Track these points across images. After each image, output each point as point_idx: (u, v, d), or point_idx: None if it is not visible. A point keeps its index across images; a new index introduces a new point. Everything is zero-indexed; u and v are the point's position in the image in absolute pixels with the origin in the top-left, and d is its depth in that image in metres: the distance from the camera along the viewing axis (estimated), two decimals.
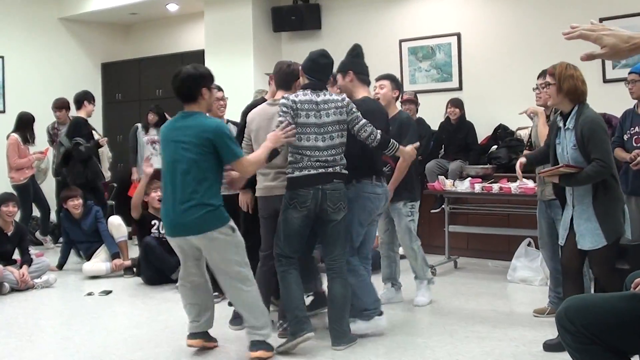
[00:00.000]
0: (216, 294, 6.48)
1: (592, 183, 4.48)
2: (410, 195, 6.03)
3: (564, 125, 4.60)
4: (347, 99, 5.06)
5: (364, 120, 4.99)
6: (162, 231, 7.20)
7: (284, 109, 4.86)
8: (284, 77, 5.27)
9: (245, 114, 5.66)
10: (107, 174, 9.47)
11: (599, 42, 2.37)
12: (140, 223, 7.36)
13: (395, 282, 6.33)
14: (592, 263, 4.60)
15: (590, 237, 4.49)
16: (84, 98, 8.92)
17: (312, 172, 4.83)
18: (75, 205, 7.95)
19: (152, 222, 7.34)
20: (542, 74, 5.32)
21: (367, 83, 5.51)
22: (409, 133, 5.83)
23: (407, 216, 6.04)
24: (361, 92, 5.41)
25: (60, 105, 9.84)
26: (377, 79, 6.17)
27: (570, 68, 4.60)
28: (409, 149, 5.33)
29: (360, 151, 5.16)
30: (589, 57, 2.40)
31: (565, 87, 4.54)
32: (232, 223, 4.59)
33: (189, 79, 4.63)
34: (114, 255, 7.78)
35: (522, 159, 5.07)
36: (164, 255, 7.00)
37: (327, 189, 4.85)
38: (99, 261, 7.79)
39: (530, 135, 5.72)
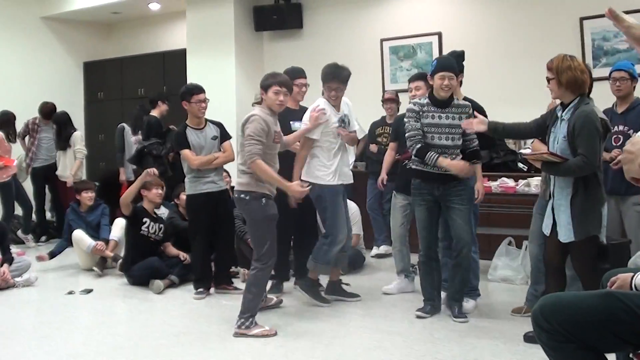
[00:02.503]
0: (201, 290, 6.56)
1: (572, 176, 4.51)
2: None
3: (561, 115, 4.60)
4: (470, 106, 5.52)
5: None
6: (152, 230, 7.22)
7: (410, 113, 5.58)
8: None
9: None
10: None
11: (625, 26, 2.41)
12: (132, 219, 7.26)
13: (408, 274, 6.69)
14: (572, 257, 4.60)
15: (563, 230, 4.54)
16: (158, 98, 9.15)
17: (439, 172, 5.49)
18: (90, 197, 8.26)
19: (144, 220, 7.26)
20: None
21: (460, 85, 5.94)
22: None
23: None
24: (459, 92, 5.82)
25: (47, 115, 10.09)
26: (411, 80, 6.42)
27: (567, 59, 4.56)
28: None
29: None
30: (612, 15, 2.44)
31: (564, 79, 4.51)
32: None
33: None
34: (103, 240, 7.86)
35: (482, 125, 5.14)
36: (164, 269, 7.03)
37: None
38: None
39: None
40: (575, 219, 4.48)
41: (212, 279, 6.73)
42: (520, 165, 7.46)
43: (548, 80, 4.66)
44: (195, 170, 6.48)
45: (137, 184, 7.21)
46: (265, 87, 5.39)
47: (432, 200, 5.63)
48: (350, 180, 6.22)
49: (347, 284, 6.51)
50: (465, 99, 5.81)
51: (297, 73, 6.48)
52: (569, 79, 4.50)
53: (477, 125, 5.16)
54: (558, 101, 4.85)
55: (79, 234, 7.90)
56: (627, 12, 2.83)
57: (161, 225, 7.38)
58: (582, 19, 7.92)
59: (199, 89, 6.66)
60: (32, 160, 10.12)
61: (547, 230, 4.75)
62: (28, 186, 10.10)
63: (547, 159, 4.55)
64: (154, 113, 9.08)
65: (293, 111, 6.46)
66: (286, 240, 6.59)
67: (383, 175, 7.02)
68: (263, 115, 5.34)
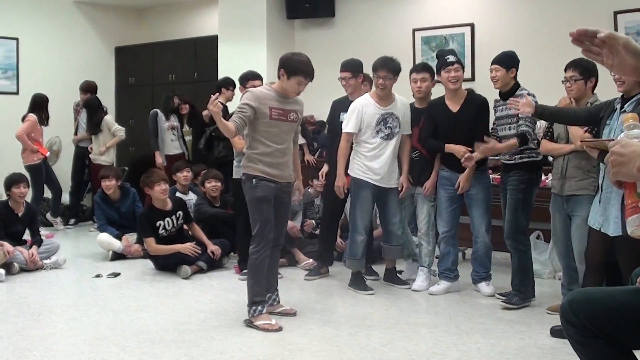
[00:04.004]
0: (245, 270, 6.60)
1: None
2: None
3: (621, 107, 4.45)
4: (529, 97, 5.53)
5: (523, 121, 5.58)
6: (169, 227, 7.21)
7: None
8: None
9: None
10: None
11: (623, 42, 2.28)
12: (147, 229, 7.19)
13: (415, 258, 6.77)
14: (618, 252, 4.45)
15: (612, 223, 4.36)
16: (222, 84, 9.10)
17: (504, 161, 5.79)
18: (108, 185, 8.18)
19: (157, 224, 7.18)
20: (571, 66, 5.21)
21: None
22: None
23: (430, 201, 6.41)
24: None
25: (85, 89, 10.35)
26: (417, 71, 6.51)
27: None
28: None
29: None
30: (609, 37, 2.30)
31: None
32: None
33: None
34: (138, 241, 7.84)
35: (529, 106, 5.11)
36: (189, 257, 7.02)
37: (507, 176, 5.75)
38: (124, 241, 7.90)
39: (551, 124, 5.51)
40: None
41: None
42: (550, 158, 7.39)
43: None
44: None
45: (172, 247, 7.07)
46: (289, 71, 5.14)
47: (504, 188, 5.80)
48: (386, 184, 6.24)
49: (400, 272, 6.71)
50: (469, 93, 6.10)
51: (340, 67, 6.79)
52: None
53: (523, 106, 5.14)
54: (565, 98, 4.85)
55: (105, 237, 7.89)
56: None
57: (179, 213, 7.32)
58: (616, 13, 7.82)
59: (254, 76, 6.86)
60: (79, 140, 10.36)
61: (597, 225, 4.55)
62: (57, 169, 10.19)
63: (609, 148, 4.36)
64: (220, 99, 9.12)
65: (349, 102, 6.59)
66: (333, 227, 6.96)
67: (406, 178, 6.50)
68: (260, 90, 5.28)
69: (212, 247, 7.10)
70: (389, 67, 6.12)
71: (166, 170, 8.47)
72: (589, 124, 4.99)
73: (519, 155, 5.63)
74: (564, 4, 8.27)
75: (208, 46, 10.91)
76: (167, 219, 7.21)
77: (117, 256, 7.75)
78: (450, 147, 5.92)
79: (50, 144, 10.18)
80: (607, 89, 4.98)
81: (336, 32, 10.15)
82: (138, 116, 11.47)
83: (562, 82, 5.26)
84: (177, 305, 5.85)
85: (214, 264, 7.09)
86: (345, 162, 6.28)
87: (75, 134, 10.47)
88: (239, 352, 4.60)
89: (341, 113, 6.66)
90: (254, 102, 5.12)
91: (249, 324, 5.14)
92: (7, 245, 6.90)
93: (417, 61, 9.17)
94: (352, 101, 6.60)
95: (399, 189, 6.29)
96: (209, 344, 4.76)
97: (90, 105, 9.98)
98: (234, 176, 6.69)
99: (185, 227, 7.39)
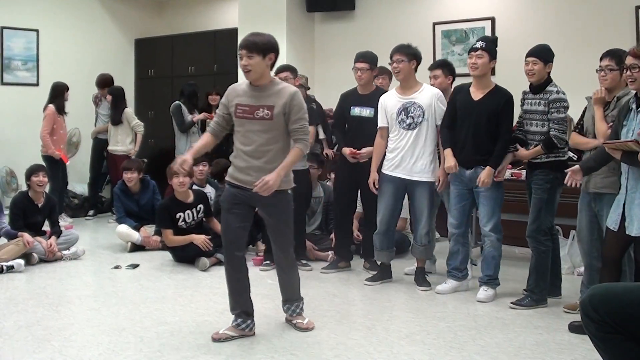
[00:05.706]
0: (267, 262, 6.68)
1: None
2: None
3: (637, 106, 4.38)
4: (559, 95, 5.49)
5: (553, 123, 5.49)
6: (189, 220, 7.23)
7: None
8: None
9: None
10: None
11: None
12: (167, 220, 7.22)
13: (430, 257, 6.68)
14: (637, 251, 4.43)
15: (636, 223, 4.29)
16: None
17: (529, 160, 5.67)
18: (130, 178, 8.18)
19: (177, 216, 7.20)
20: (607, 55, 5.06)
21: None
22: None
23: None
24: (489, 79, 5.95)
25: (101, 84, 10.43)
26: (430, 69, 6.72)
27: None
28: None
29: None
30: None
31: None
32: None
33: None
34: (156, 233, 7.86)
35: (578, 174, 4.93)
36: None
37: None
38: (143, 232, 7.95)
39: (582, 117, 5.43)
40: None
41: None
42: (570, 154, 7.35)
43: (627, 68, 4.41)
44: None
45: (187, 238, 7.09)
46: None
47: (529, 186, 5.73)
48: (410, 176, 6.11)
49: (428, 273, 6.51)
50: (497, 87, 5.90)
51: (356, 57, 6.67)
52: None
53: (575, 175, 4.94)
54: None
55: (123, 229, 7.93)
56: None
57: (200, 206, 7.34)
58: (637, 7, 7.76)
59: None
60: (97, 132, 10.45)
61: (615, 225, 4.48)
62: (76, 161, 10.25)
63: (632, 148, 4.19)
64: None
65: (359, 96, 6.56)
66: (345, 223, 6.92)
67: (443, 172, 6.28)
68: (234, 85, 4.83)
69: None
70: (402, 50, 6.09)
71: None
72: None
73: (545, 155, 5.52)
74: None
75: (228, 39, 10.90)
76: (188, 211, 7.22)
77: (136, 248, 7.79)
78: (447, 153, 5.88)
79: (69, 135, 10.23)
80: None
81: (356, 25, 10.12)
82: (157, 108, 11.51)
83: (597, 70, 5.10)
84: (195, 297, 5.88)
85: None
86: (379, 158, 6.24)
87: (94, 126, 10.51)
88: (257, 344, 4.62)
89: (352, 107, 6.64)
90: (225, 99, 4.74)
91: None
92: (27, 236, 6.95)
93: (437, 55, 9.15)
94: (361, 94, 6.62)
95: (436, 182, 6.11)
96: None
97: (115, 93, 10.00)
98: None
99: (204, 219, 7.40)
